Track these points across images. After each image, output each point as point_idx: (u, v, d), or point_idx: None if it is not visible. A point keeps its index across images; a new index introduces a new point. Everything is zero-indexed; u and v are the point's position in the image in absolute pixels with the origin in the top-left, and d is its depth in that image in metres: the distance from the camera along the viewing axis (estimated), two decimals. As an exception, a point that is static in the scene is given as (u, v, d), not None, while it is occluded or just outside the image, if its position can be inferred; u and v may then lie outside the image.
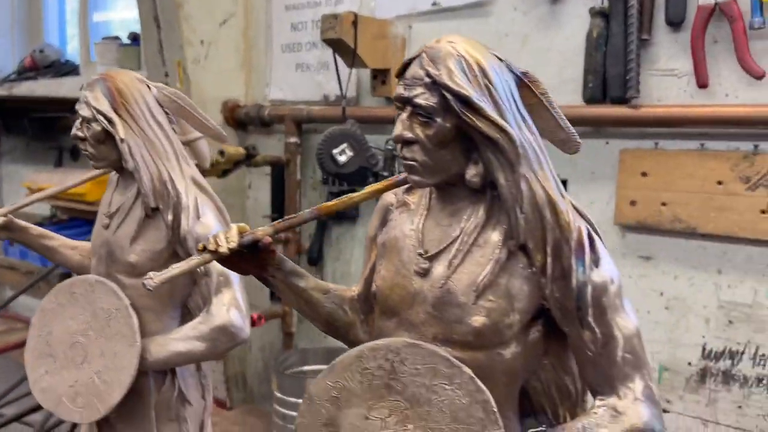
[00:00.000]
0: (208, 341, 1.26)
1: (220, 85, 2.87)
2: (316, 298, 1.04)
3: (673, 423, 2.00)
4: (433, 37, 2.20)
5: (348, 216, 2.67)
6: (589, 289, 0.84)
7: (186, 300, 1.40)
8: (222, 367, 2.97)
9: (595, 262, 0.85)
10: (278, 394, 2.52)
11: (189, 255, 1.28)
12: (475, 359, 0.87)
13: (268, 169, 2.87)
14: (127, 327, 1.27)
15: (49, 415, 2.38)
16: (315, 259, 2.80)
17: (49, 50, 4.27)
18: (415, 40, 2.45)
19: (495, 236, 0.87)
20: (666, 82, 1.94)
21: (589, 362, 0.86)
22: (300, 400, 2.38)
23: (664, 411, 1.99)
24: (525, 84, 0.88)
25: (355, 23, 2.27)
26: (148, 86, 1.33)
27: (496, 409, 0.84)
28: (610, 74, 1.97)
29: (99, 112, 1.26)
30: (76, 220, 3.76)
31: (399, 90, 0.87)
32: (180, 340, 1.27)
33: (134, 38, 3.69)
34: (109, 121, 1.26)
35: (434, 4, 2.37)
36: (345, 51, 2.32)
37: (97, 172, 1.42)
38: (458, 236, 0.89)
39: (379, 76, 2.47)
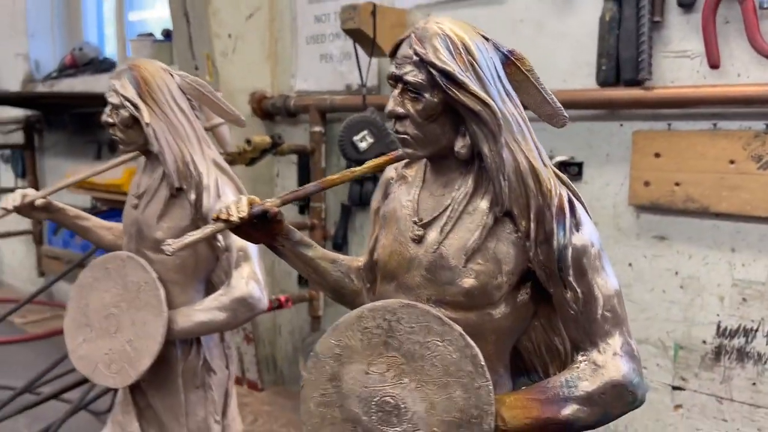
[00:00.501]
0: (229, 311, 1.35)
1: (247, 77, 2.97)
2: (324, 267, 1.12)
3: (688, 400, 2.03)
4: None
5: (364, 203, 2.74)
6: (570, 251, 0.90)
7: (209, 275, 1.50)
8: (254, 350, 3.09)
9: (576, 226, 0.91)
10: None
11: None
12: (466, 318, 0.94)
13: (294, 157, 2.96)
14: (155, 298, 1.37)
15: (87, 392, 2.52)
16: (340, 245, 2.88)
17: (87, 48, 4.44)
18: (433, 29, 2.50)
19: (483, 204, 0.93)
20: (678, 63, 1.96)
21: (572, 320, 0.92)
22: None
23: (680, 389, 2.02)
24: (511, 61, 0.94)
25: (373, 13, 2.33)
26: (171, 74, 1.43)
27: (484, 363, 0.90)
28: (623, 57, 2.00)
29: (126, 99, 1.36)
30: (115, 210, 3.90)
31: (391, 68, 0.94)
32: (203, 310, 1.37)
33: (167, 35, 3.82)
34: (136, 107, 1.36)
35: (451, -8, 2.42)
36: (364, 40, 2.39)
37: (125, 157, 1.53)
38: (449, 205, 0.95)
39: (399, 64, 2.53)
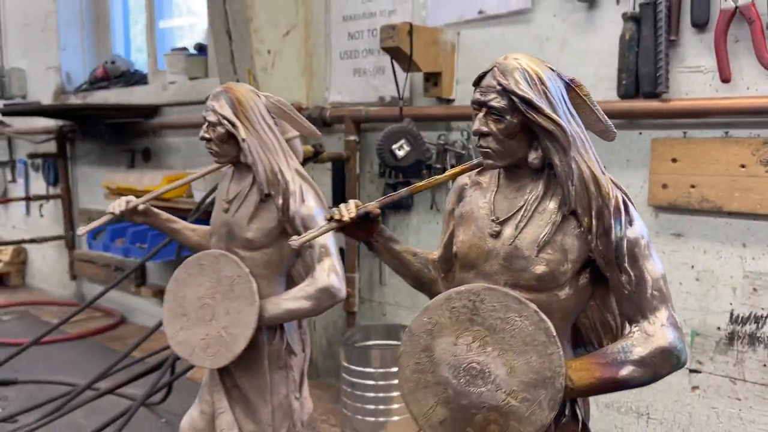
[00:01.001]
0: (314, 300, 1.56)
1: (285, 90, 3.18)
2: (408, 259, 1.34)
3: (704, 382, 2.24)
4: (480, 43, 2.52)
5: (404, 206, 2.96)
6: (625, 242, 1.10)
7: (290, 270, 1.71)
8: (290, 345, 3.29)
9: (630, 222, 1.12)
10: (345, 364, 2.82)
11: (296, 232, 1.58)
12: (537, 299, 1.15)
13: (329, 164, 3.17)
14: (248, 290, 1.58)
15: (151, 388, 2.71)
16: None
17: (119, 61, 4.66)
18: (463, 45, 2.72)
19: (552, 205, 1.14)
20: (692, 78, 2.17)
21: (626, 299, 1.13)
22: (365, 369, 2.69)
23: (696, 371, 2.23)
24: (572, 88, 1.16)
25: (410, 32, 2.55)
26: (258, 95, 1.64)
27: (555, 334, 1.11)
28: (642, 72, 2.20)
29: (224, 117, 1.57)
30: (150, 216, 4.10)
31: (476, 96, 1.15)
32: (291, 299, 1.57)
33: (200, 48, 4.03)
34: (233, 124, 1.57)
35: (480, 12, 2.63)
36: (402, 57, 2.60)
37: (213, 166, 1.73)
38: (523, 206, 1.16)
39: (431, 78, 2.74)
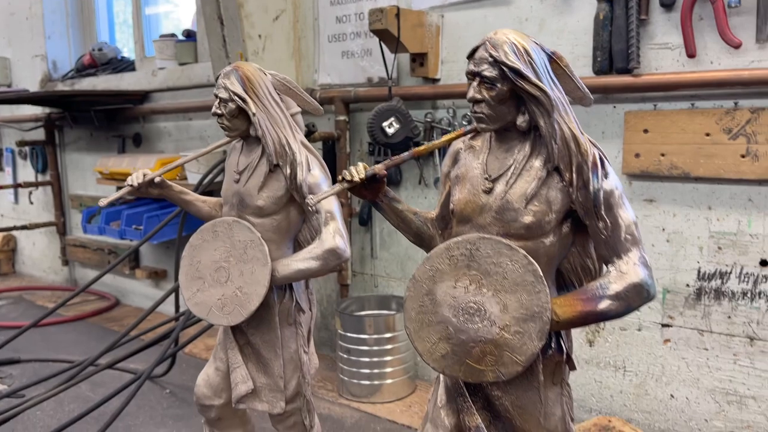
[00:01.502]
0: (321, 260, 1.70)
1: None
2: (409, 217, 1.49)
3: (675, 335, 2.43)
4: (463, 24, 2.69)
5: (393, 181, 3.11)
6: (601, 193, 1.27)
7: (297, 235, 1.85)
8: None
9: (605, 175, 1.28)
10: (341, 332, 2.98)
11: (303, 199, 1.73)
12: (525, 246, 1.31)
13: (320, 143, 3.31)
14: (260, 253, 1.72)
15: (160, 358, 2.84)
16: (365, 221, 3.24)
17: (106, 49, 4.72)
18: (447, 27, 2.86)
19: (537, 163, 1.30)
20: (661, 54, 2.34)
21: (603, 243, 1.29)
22: (360, 336, 2.86)
23: (668, 326, 2.42)
24: (554, 59, 1.31)
25: (398, 15, 2.68)
26: (265, 73, 1.77)
27: (542, 275, 1.27)
28: (615, 49, 2.36)
29: (235, 93, 1.70)
30: (143, 199, 4.20)
31: (470, 66, 1.30)
32: (300, 260, 1.72)
33: (188, 35, 4.12)
34: (243, 100, 1.70)
35: (463, -5, 2.78)
36: (390, 39, 2.74)
37: (224, 140, 1.86)
38: (512, 164, 1.32)
39: (418, 59, 2.89)
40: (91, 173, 4.70)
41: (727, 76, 2.17)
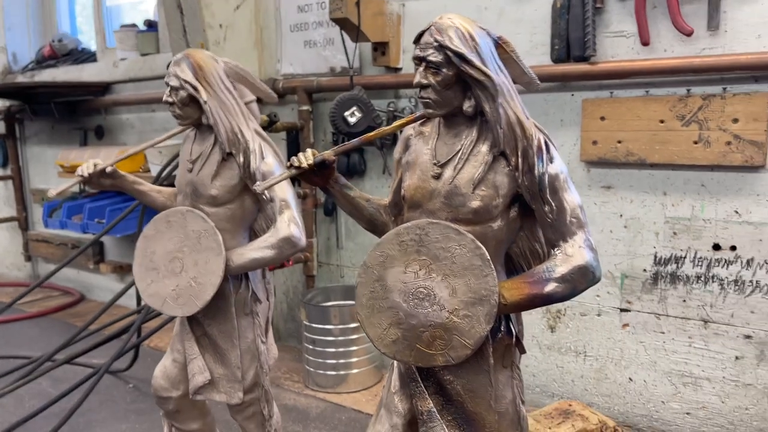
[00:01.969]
0: (276, 249, 1.69)
1: (238, 63, 3.27)
2: (362, 204, 1.49)
3: (633, 319, 2.48)
4: (424, 13, 2.69)
5: (357, 171, 3.10)
6: (546, 177, 1.27)
7: (252, 224, 1.84)
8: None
9: (550, 160, 1.29)
10: (307, 323, 2.97)
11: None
12: (473, 230, 1.31)
13: (283, 134, 3.29)
14: (214, 242, 1.71)
15: (120, 351, 2.81)
16: (330, 211, 3.24)
17: (67, 39, 4.63)
18: (408, 16, 2.86)
19: (484, 148, 1.31)
20: (617, 42, 2.37)
21: (549, 226, 1.30)
22: (325, 326, 2.85)
23: (626, 310, 2.46)
24: (500, 45, 1.32)
25: (358, 3, 2.67)
26: (216, 61, 1.75)
27: (489, 259, 1.27)
28: (572, 38, 2.39)
29: (186, 81, 1.68)
30: (104, 193, 4.14)
31: (416, 52, 1.30)
32: (255, 249, 1.70)
33: (149, 25, 4.06)
34: (195, 88, 1.68)
35: (423, -16, 2.77)
36: (350, 28, 2.73)
37: (176, 130, 1.83)
38: (459, 149, 1.32)
39: (379, 48, 2.88)
40: (53, 167, 4.61)
41: (680, 63, 2.21)
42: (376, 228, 1.53)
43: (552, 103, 2.53)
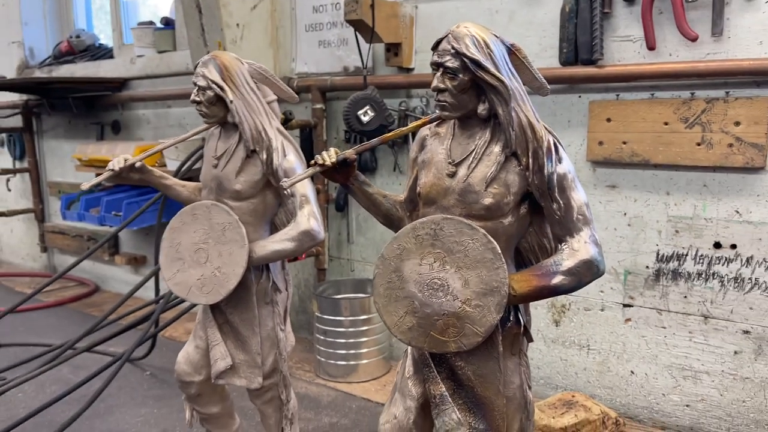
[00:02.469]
0: (296, 241, 1.78)
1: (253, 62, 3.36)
2: (379, 200, 1.58)
3: (635, 314, 2.56)
4: (436, 15, 2.78)
5: (369, 168, 3.19)
6: (555, 176, 1.36)
7: (273, 218, 1.93)
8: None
9: (559, 160, 1.37)
10: (318, 314, 3.07)
11: (278, 183, 1.81)
12: (486, 226, 1.40)
13: (297, 131, 3.38)
14: (238, 235, 1.80)
15: (140, 340, 2.91)
16: (341, 207, 3.33)
17: (84, 36, 4.72)
18: (421, 18, 2.94)
19: (497, 148, 1.40)
20: (623, 46, 2.45)
21: (557, 223, 1.39)
22: (336, 318, 2.94)
23: (629, 305, 2.55)
24: (512, 51, 1.40)
25: (372, 6, 2.76)
26: (241, 62, 1.84)
27: (500, 252, 1.36)
28: (580, 41, 2.47)
29: (213, 81, 1.77)
30: (120, 186, 4.23)
31: (434, 58, 1.38)
32: (276, 242, 1.80)
33: (167, 23, 4.15)
34: (221, 88, 1.77)
35: (436, -13, 2.85)
36: (364, 29, 2.81)
37: (202, 127, 1.93)
38: (473, 150, 1.41)
39: (392, 49, 2.97)
40: (70, 160, 4.72)
41: (685, 67, 2.29)
42: (392, 223, 1.62)
43: (560, 105, 2.61)
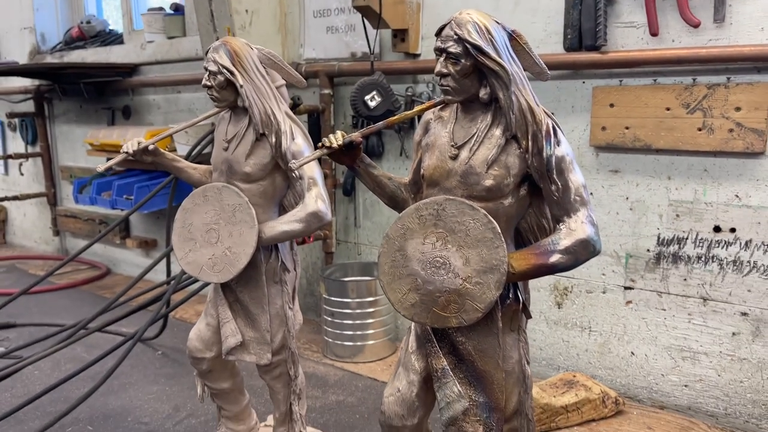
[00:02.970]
0: (304, 222, 1.84)
1: (262, 47, 3.40)
2: (384, 182, 1.63)
3: (636, 296, 2.61)
4: (442, 2, 2.82)
5: (375, 153, 3.24)
6: (554, 158, 1.41)
7: (282, 200, 1.99)
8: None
9: (557, 143, 1.42)
10: (326, 296, 3.14)
11: (287, 166, 1.86)
12: (486, 206, 1.45)
13: (305, 116, 3.43)
14: (248, 216, 1.86)
15: (152, 318, 2.98)
16: (348, 191, 3.38)
17: (95, 21, 4.78)
18: (427, 4, 2.98)
19: (498, 131, 1.44)
20: (627, 32, 2.48)
21: (555, 204, 1.44)
22: (343, 299, 3.00)
23: (630, 288, 2.60)
24: (513, 37, 1.45)
25: (379, -8, 2.79)
26: (251, 47, 1.89)
27: (500, 232, 1.42)
28: (584, 27, 2.50)
29: (224, 66, 1.82)
30: (133, 170, 4.31)
31: (437, 44, 1.43)
32: (285, 223, 1.85)
33: (176, 8, 4.19)
34: (231, 73, 1.82)
35: (442, -27, 2.89)
36: (372, 15, 2.85)
37: (213, 111, 1.98)
38: (475, 133, 1.46)
39: (399, 35, 3.00)
40: (81, 145, 4.79)
41: (687, 53, 2.32)
42: (397, 204, 1.67)
43: (564, 90, 2.65)
